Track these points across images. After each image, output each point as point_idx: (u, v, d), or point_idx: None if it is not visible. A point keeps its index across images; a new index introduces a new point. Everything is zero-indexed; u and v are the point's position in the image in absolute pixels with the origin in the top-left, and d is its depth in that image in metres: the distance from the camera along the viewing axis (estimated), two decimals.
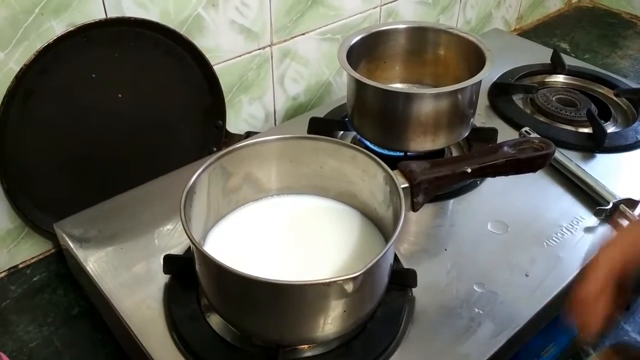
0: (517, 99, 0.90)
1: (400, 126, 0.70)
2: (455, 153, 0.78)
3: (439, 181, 0.55)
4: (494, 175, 0.57)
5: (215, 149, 0.84)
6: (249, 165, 0.59)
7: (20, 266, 0.75)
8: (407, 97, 0.68)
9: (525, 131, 0.80)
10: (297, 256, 0.57)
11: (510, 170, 0.56)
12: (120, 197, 0.71)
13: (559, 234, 0.66)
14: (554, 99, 0.88)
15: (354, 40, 0.74)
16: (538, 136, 0.76)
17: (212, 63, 0.78)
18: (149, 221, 0.67)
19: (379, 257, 0.46)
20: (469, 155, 0.58)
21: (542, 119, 0.86)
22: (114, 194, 0.71)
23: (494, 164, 0.56)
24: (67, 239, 0.65)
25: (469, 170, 0.55)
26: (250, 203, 0.62)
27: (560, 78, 0.96)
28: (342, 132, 0.81)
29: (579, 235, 0.66)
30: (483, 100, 0.88)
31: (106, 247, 0.64)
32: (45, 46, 0.63)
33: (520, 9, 1.31)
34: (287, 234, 0.60)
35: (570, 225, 0.68)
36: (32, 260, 0.76)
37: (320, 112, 0.85)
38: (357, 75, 0.68)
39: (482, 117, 0.85)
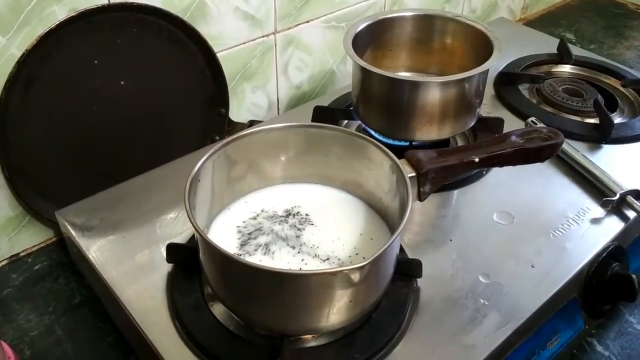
0: (523, 88, 0.89)
1: (406, 115, 0.69)
2: (460, 143, 0.77)
3: (446, 170, 0.54)
4: (501, 165, 0.56)
5: (218, 138, 0.83)
6: (254, 153, 0.58)
7: (22, 254, 0.74)
8: (413, 86, 0.67)
9: (532, 121, 0.80)
10: (301, 246, 0.56)
11: (518, 160, 0.56)
12: (123, 185, 0.70)
13: (565, 225, 0.66)
14: (560, 89, 0.87)
15: (360, 28, 0.73)
16: (545, 126, 0.75)
17: (216, 50, 0.78)
18: (152, 210, 0.66)
19: (385, 246, 0.45)
20: (476, 144, 0.58)
21: (548, 109, 0.85)
22: (116, 182, 0.71)
23: (502, 154, 0.55)
24: (68, 227, 0.64)
25: (477, 159, 0.54)
26: (255, 192, 0.62)
27: (566, 68, 0.95)
28: (346, 121, 0.80)
29: (585, 227, 0.66)
30: (489, 90, 0.87)
31: (108, 236, 0.63)
32: (47, 32, 0.63)
33: None
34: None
35: (577, 216, 0.67)
36: (34, 249, 0.75)
37: (324, 101, 0.85)
38: (362, 63, 0.67)
39: (488, 107, 0.84)
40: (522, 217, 0.66)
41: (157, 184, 0.70)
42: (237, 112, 0.88)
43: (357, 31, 0.72)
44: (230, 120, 0.84)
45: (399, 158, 0.54)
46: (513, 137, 0.56)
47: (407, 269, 0.57)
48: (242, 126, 0.84)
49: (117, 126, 0.73)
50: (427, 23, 0.78)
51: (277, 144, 0.59)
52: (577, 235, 0.64)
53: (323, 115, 0.78)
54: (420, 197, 0.54)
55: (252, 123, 0.86)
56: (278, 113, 0.94)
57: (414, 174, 0.53)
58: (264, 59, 0.87)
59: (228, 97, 0.82)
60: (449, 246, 0.63)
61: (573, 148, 0.74)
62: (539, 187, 0.71)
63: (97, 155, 0.73)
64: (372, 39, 0.77)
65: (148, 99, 0.75)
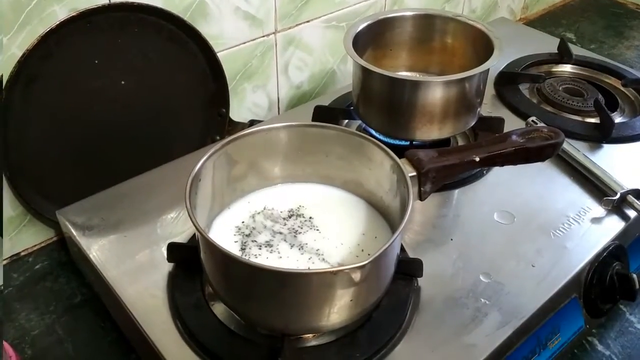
0: (524, 88, 0.89)
1: (406, 114, 0.69)
2: (461, 142, 0.77)
3: (447, 170, 0.54)
4: (502, 165, 0.56)
5: (218, 138, 0.83)
6: (255, 153, 0.58)
7: (22, 254, 0.74)
8: (414, 85, 0.67)
9: (532, 121, 0.80)
10: (303, 245, 0.56)
11: (519, 159, 0.56)
12: (124, 184, 0.70)
13: (565, 225, 0.66)
14: (560, 88, 0.87)
15: (360, 27, 0.73)
16: (546, 125, 0.75)
17: (217, 50, 0.78)
18: (152, 209, 0.66)
19: (386, 246, 0.45)
20: (477, 144, 0.58)
21: (549, 108, 0.85)
22: (117, 181, 0.71)
23: (503, 153, 0.55)
24: (69, 226, 0.65)
25: (477, 159, 0.54)
26: (256, 191, 0.62)
27: (567, 68, 0.95)
28: (347, 120, 0.80)
29: (586, 226, 0.66)
30: (489, 90, 0.87)
31: (109, 235, 0.63)
32: (48, 31, 0.63)
33: None
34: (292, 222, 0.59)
35: (577, 215, 0.67)
36: (35, 248, 0.75)
37: (324, 101, 0.85)
38: (363, 63, 0.67)
39: (488, 107, 0.84)
40: (523, 217, 0.66)
41: (157, 184, 0.70)
42: (238, 112, 0.88)
43: (357, 31, 0.72)
44: (230, 119, 0.84)
45: (400, 157, 0.54)
46: (514, 137, 0.56)
47: (408, 269, 0.57)
48: (242, 126, 0.85)
49: (117, 126, 0.73)
50: (427, 23, 0.78)
51: (277, 143, 0.59)
52: (578, 235, 0.64)
53: (323, 114, 0.78)
54: (421, 196, 0.54)
55: (252, 123, 0.86)
56: (279, 113, 0.94)
57: (414, 173, 0.53)
58: (264, 59, 0.87)
59: (228, 97, 0.82)
60: (450, 246, 0.63)
61: (574, 147, 0.74)
62: (540, 187, 0.71)
63: (98, 155, 0.73)
64: (372, 38, 0.77)
65: (149, 99, 0.74)
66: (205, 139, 0.82)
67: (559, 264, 0.61)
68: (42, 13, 0.63)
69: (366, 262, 0.44)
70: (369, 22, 0.75)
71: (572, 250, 0.63)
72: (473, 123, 0.73)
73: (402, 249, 0.60)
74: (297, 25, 0.88)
